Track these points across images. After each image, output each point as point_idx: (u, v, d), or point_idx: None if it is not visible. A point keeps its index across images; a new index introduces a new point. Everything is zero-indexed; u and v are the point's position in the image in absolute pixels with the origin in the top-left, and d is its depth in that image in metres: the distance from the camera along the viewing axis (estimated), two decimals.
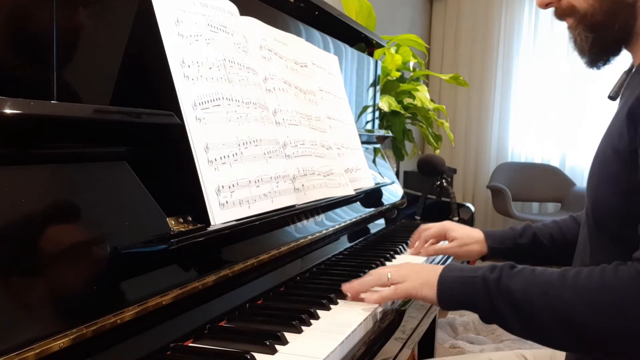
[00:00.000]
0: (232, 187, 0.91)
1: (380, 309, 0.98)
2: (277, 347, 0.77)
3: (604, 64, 0.98)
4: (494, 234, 1.33)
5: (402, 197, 1.91)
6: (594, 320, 0.79)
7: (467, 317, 3.15)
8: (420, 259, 1.39)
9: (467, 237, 1.34)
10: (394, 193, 1.86)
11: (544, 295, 0.83)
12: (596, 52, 0.97)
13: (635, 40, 0.94)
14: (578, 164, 4.90)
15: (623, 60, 0.99)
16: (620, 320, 0.78)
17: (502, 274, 0.87)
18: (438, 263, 1.41)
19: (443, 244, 1.39)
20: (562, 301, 0.82)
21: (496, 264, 0.90)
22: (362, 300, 0.99)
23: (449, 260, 1.45)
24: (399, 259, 1.38)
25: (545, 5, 1.00)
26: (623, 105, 0.89)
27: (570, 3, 0.96)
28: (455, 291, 0.91)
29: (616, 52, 0.97)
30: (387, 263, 1.31)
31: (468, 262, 1.54)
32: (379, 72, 2.12)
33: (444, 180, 2.05)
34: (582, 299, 0.81)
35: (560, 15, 0.99)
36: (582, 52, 0.97)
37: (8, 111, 0.62)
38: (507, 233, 1.31)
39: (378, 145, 2.00)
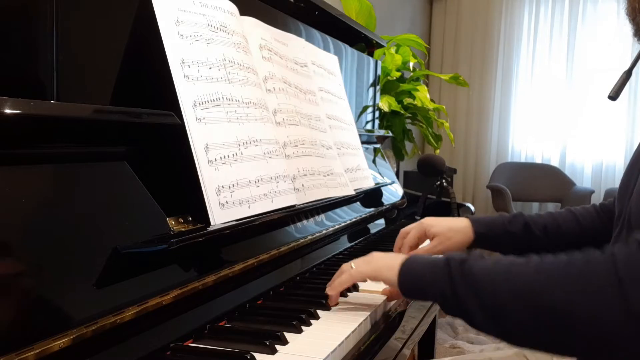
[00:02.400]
0: (232, 187, 0.91)
1: (380, 310, 0.98)
2: (277, 347, 0.77)
3: None
4: (481, 220, 1.24)
5: (402, 197, 1.91)
6: (557, 293, 0.70)
7: None
8: None
9: (447, 230, 1.23)
10: (394, 193, 1.86)
11: (507, 273, 0.76)
12: None
13: None
14: (578, 163, 4.90)
15: (623, 61, 0.99)
16: (587, 301, 0.68)
17: (469, 258, 0.81)
18: None
19: (426, 243, 1.30)
20: (527, 280, 0.73)
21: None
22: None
23: None
24: None
25: None
26: None
27: None
28: (418, 273, 0.86)
29: None
30: None
31: None
32: (379, 72, 2.12)
33: (444, 180, 2.05)
34: (546, 275, 0.72)
35: None
36: (635, 17, 0.92)
37: (8, 111, 0.62)
38: (496, 220, 1.23)
39: (378, 145, 2.00)
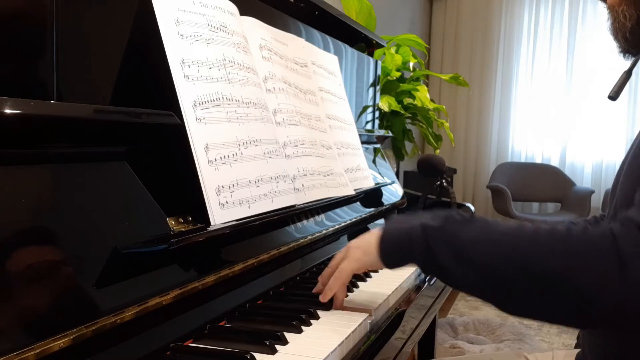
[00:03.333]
0: (232, 187, 0.91)
1: (380, 309, 0.98)
2: (277, 347, 0.77)
3: (638, 51, 0.92)
4: None
5: (402, 197, 1.91)
6: (555, 262, 0.71)
7: (467, 317, 3.15)
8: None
9: None
10: (394, 193, 1.86)
11: (494, 244, 0.75)
12: (638, 35, 0.89)
13: None
14: (578, 163, 4.90)
15: (623, 61, 0.99)
16: (585, 272, 0.70)
17: (447, 223, 0.80)
18: None
19: None
20: (515, 248, 0.74)
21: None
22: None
23: None
24: None
25: None
26: None
27: None
28: (395, 245, 0.85)
29: None
30: None
31: None
32: (379, 72, 2.12)
33: (444, 180, 2.05)
34: (541, 245, 0.73)
35: None
36: (620, 32, 0.90)
37: (8, 111, 0.62)
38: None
39: (378, 145, 2.00)
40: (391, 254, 0.88)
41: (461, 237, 0.78)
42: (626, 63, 0.98)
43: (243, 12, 1.11)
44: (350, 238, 1.46)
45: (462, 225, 0.80)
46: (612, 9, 0.91)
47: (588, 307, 0.71)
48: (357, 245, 0.93)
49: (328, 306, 0.96)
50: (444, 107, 2.80)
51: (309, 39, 1.49)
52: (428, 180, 2.08)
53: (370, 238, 0.90)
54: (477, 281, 0.77)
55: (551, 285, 0.71)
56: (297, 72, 1.31)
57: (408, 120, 2.52)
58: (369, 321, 0.93)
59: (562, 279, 0.71)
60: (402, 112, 2.38)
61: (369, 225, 1.62)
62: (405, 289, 1.18)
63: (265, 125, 1.06)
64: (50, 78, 0.73)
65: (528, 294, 0.74)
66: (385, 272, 1.21)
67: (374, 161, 1.85)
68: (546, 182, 4.74)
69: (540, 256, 0.72)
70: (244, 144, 0.97)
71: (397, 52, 2.48)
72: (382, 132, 2.07)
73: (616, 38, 0.92)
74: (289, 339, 0.80)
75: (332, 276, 0.94)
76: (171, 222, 0.82)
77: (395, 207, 1.81)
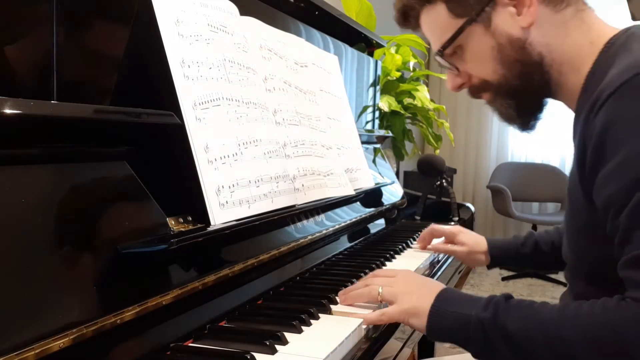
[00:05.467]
0: (232, 187, 0.91)
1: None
2: (277, 347, 0.77)
3: (535, 121, 1.00)
4: (496, 243, 1.35)
5: (402, 197, 1.91)
6: (595, 358, 0.77)
7: None
8: (424, 255, 1.40)
9: (475, 244, 1.35)
10: (394, 193, 1.86)
11: (543, 333, 0.80)
12: (525, 114, 0.98)
13: (560, 90, 0.95)
14: None
15: None
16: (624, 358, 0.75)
17: (498, 312, 0.83)
18: (439, 263, 1.41)
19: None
20: (562, 339, 0.78)
21: (491, 297, 0.86)
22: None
23: (449, 261, 1.45)
24: (399, 259, 1.38)
25: (458, 88, 1.01)
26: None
27: (482, 78, 0.96)
28: (446, 328, 0.87)
29: (542, 107, 0.99)
30: (387, 263, 1.31)
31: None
32: (379, 72, 2.12)
33: (444, 180, 2.05)
34: (583, 337, 0.77)
35: (475, 92, 1.00)
36: (511, 119, 0.99)
37: (8, 111, 0.62)
38: (510, 242, 1.33)
39: (378, 145, 2.00)
40: (439, 336, 0.90)
41: (513, 329, 0.82)
42: None
43: (243, 12, 1.11)
44: (350, 238, 1.46)
45: (510, 315, 0.84)
46: (492, 104, 0.99)
47: None
48: (409, 299, 0.91)
49: (328, 306, 0.96)
50: (444, 107, 2.80)
51: (309, 39, 1.49)
52: (428, 180, 2.08)
53: (424, 300, 0.89)
54: None
55: None
56: (297, 72, 1.31)
57: (408, 120, 2.52)
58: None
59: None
60: (402, 112, 2.38)
61: (368, 225, 1.63)
62: None
63: (265, 125, 1.06)
64: (50, 78, 0.73)
65: None
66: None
67: (374, 161, 1.85)
68: (546, 182, 4.74)
69: (583, 344, 0.77)
70: (244, 144, 0.97)
71: (397, 52, 2.48)
72: (382, 132, 2.07)
73: (512, 123, 1.00)
74: (289, 339, 0.80)
75: (377, 316, 0.92)
76: (171, 222, 0.82)
77: (395, 207, 1.81)
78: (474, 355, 0.88)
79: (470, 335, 0.84)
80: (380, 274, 1.02)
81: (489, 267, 1.38)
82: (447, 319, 0.87)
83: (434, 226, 1.46)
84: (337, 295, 1.00)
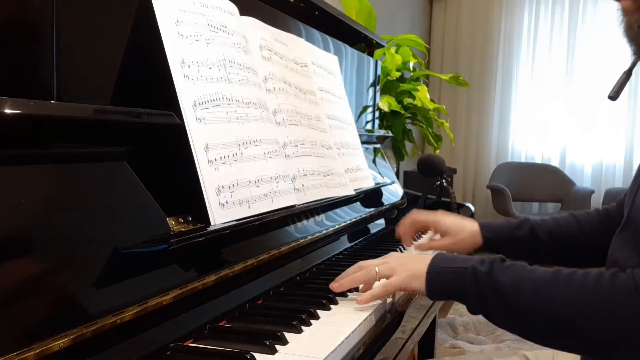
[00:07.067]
0: (232, 187, 0.91)
1: (380, 309, 0.98)
2: (277, 347, 0.77)
3: None
4: (489, 225, 1.26)
5: (402, 197, 1.91)
6: (583, 326, 0.79)
7: (467, 317, 3.15)
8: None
9: (458, 229, 1.27)
10: (394, 193, 1.86)
11: (534, 292, 0.83)
12: None
13: None
14: (578, 163, 4.90)
15: (623, 61, 0.99)
16: (612, 331, 0.77)
17: (494, 267, 0.86)
18: None
19: (435, 237, 1.36)
20: (553, 301, 0.81)
21: (486, 257, 0.90)
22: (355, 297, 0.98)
23: None
24: None
25: None
26: None
27: None
28: (444, 282, 0.91)
29: None
30: None
31: None
32: (379, 72, 2.12)
33: (444, 180, 2.05)
34: (573, 303, 0.80)
35: None
36: (634, 39, 0.92)
37: (8, 111, 0.62)
38: (504, 225, 1.26)
39: (378, 145, 2.00)
40: (438, 292, 0.92)
41: (505, 284, 0.85)
42: (626, 63, 0.99)
43: (243, 12, 1.11)
44: (350, 238, 1.46)
45: (505, 271, 0.86)
46: (625, 14, 0.92)
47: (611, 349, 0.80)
48: (407, 267, 0.95)
49: (328, 306, 0.96)
50: (444, 107, 2.80)
51: (309, 39, 1.49)
52: (428, 180, 2.08)
53: (420, 265, 0.93)
54: (520, 325, 0.86)
55: (574, 330, 0.81)
56: (297, 72, 1.31)
57: (408, 120, 2.52)
58: (369, 321, 0.93)
59: (585, 327, 0.80)
60: (402, 112, 2.38)
61: (369, 225, 1.62)
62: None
63: (265, 125, 1.06)
64: (50, 78, 0.73)
65: (551, 335, 0.85)
66: None
67: (374, 161, 1.85)
68: (546, 182, 4.74)
69: (572, 308, 0.81)
70: (244, 144, 0.97)
71: (397, 52, 2.48)
72: (382, 132, 2.07)
73: (632, 41, 0.93)
74: (289, 339, 0.80)
75: (382, 288, 0.96)
76: (171, 222, 0.82)
77: (395, 207, 1.81)
78: (469, 310, 0.90)
79: (465, 287, 0.88)
80: (370, 260, 1.02)
81: (478, 250, 1.28)
82: (445, 275, 0.90)
83: (415, 217, 1.34)
84: (337, 296, 1.00)
